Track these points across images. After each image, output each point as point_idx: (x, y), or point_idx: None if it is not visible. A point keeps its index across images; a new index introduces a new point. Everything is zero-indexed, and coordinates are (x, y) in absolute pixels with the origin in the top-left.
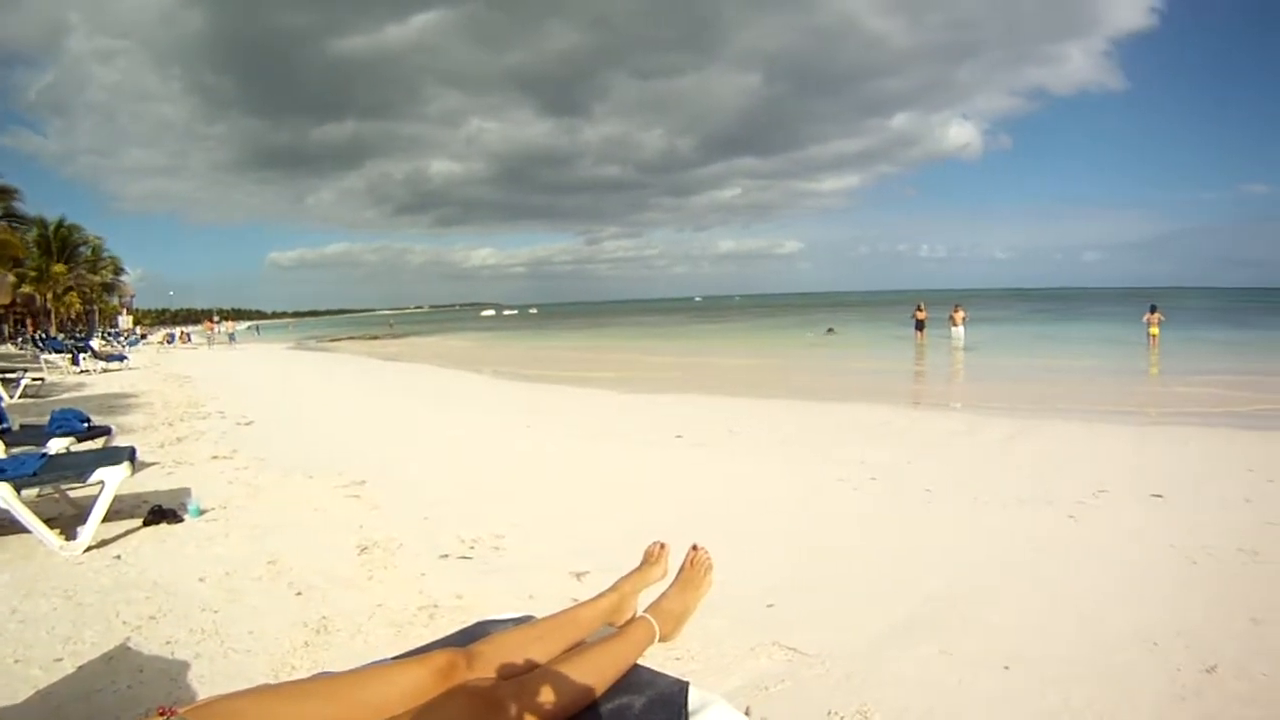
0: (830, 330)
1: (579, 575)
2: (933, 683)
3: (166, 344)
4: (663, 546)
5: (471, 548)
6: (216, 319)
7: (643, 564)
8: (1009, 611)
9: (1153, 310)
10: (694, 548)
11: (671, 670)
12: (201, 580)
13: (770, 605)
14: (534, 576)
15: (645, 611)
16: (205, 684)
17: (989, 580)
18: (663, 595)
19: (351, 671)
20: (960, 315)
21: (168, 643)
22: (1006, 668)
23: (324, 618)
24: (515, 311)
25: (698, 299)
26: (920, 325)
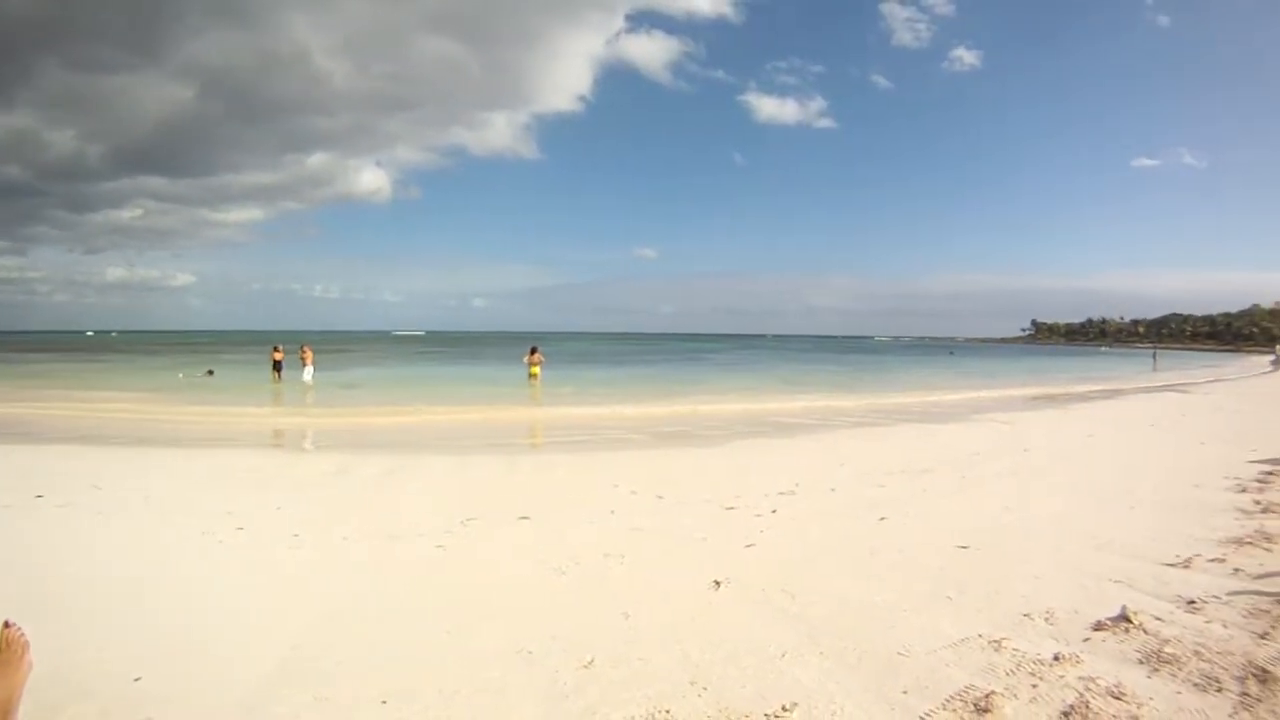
0: (210, 372)
1: None
2: None
3: None
4: None
5: None
6: None
7: None
8: (383, 645)
9: (533, 351)
10: (5, 625)
11: None
12: None
13: (138, 679)
14: None
15: None
16: None
17: (360, 618)
18: None
19: None
20: (309, 355)
21: None
22: (384, 702)
23: None
24: None
25: (89, 333)
26: (277, 366)
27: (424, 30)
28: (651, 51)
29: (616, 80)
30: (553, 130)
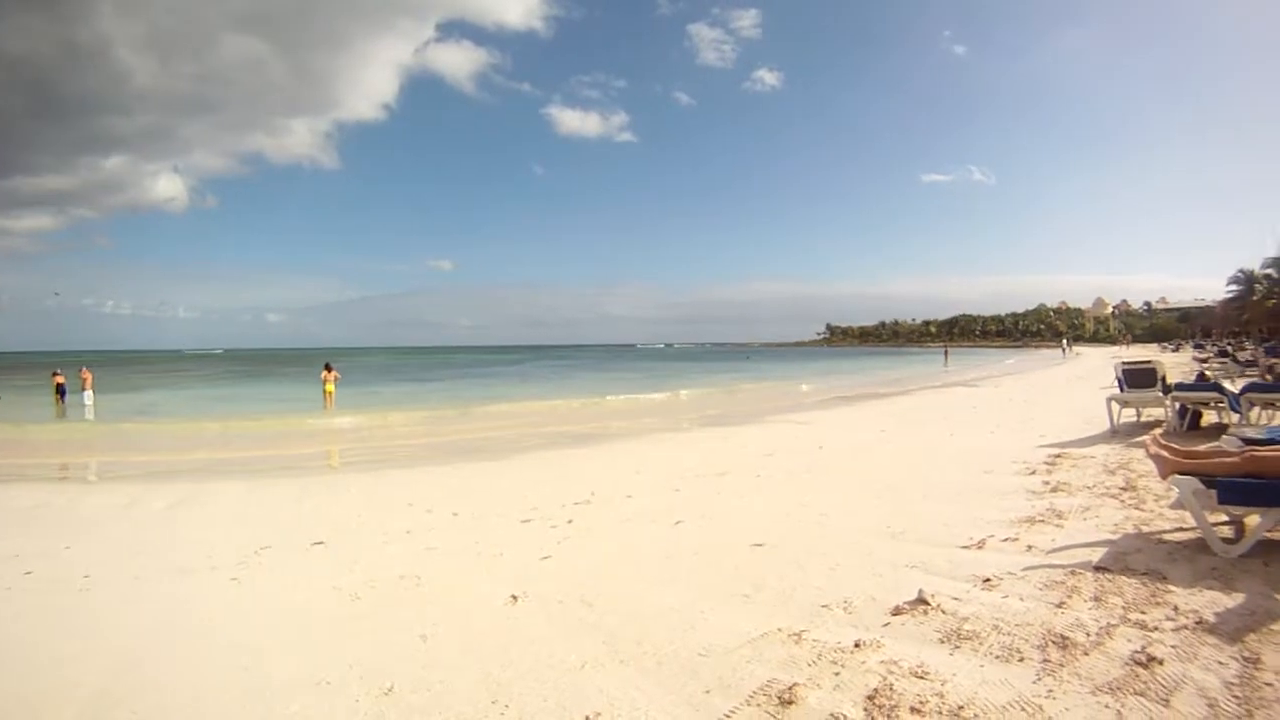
0: None
1: None
2: None
3: None
4: None
5: None
6: None
7: None
8: (181, 687)
9: (328, 369)
10: None
11: None
12: None
13: None
14: None
15: None
16: None
17: (157, 660)
18: None
19: None
20: (89, 379)
21: None
22: None
23: None
24: None
25: None
26: (60, 391)
27: (231, 29)
28: (458, 62)
29: (421, 90)
30: (354, 139)
